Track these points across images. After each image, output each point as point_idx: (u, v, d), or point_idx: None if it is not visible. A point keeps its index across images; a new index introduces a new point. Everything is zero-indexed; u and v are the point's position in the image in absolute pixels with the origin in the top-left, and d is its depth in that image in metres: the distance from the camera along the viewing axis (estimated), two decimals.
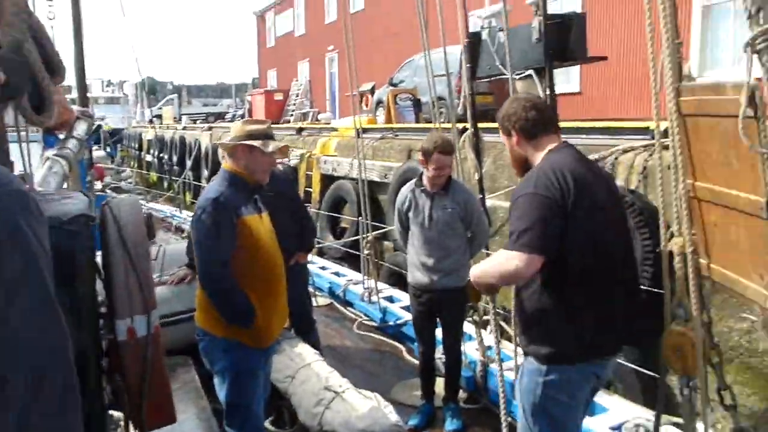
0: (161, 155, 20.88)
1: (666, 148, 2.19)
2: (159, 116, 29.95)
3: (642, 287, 4.38)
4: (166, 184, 18.42)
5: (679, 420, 2.61)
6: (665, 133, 2.20)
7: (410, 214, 3.86)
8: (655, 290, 4.23)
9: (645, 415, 3.49)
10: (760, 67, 1.56)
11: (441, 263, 3.76)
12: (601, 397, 3.74)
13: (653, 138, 5.22)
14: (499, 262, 2.23)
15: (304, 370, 3.80)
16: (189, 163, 17.53)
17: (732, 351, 4.18)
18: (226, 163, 2.90)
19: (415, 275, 3.88)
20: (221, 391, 2.88)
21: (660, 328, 2.35)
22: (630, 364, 4.36)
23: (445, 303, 3.83)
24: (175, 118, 29.05)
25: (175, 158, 19.33)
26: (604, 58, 7.17)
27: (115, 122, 32.96)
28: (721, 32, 10.57)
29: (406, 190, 3.94)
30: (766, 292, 1.68)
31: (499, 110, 2.49)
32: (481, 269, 2.35)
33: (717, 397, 2.10)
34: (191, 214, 3.83)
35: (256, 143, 2.79)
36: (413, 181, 3.93)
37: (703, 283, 2.09)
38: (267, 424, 3.65)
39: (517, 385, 2.46)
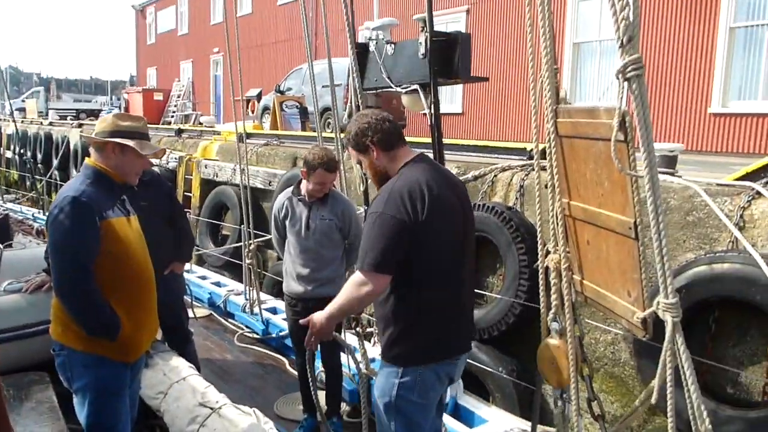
0: (23, 152, 19.19)
1: (543, 168, 2.28)
2: (22, 109, 27.56)
3: (518, 301, 4.62)
4: (28, 184, 16.93)
5: (553, 430, 2.74)
6: (543, 154, 2.30)
7: (287, 223, 3.79)
8: (530, 304, 4.47)
9: (521, 425, 3.64)
10: (630, 93, 1.65)
11: (316, 273, 3.72)
12: (481, 409, 3.87)
13: (530, 158, 5.55)
14: (351, 292, 2.33)
15: (177, 385, 3.59)
16: (56, 161, 16.25)
17: (597, 361, 4.47)
18: (90, 159, 2.64)
19: (290, 284, 3.81)
20: (81, 411, 2.61)
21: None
22: (507, 377, 4.53)
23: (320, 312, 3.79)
24: (40, 112, 26.88)
25: (39, 156, 17.85)
26: (486, 79, 7.51)
27: None
28: (588, 69, 11.52)
29: (283, 197, 3.86)
30: (633, 308, 1.78)
31: (347, 131, 2.54)
32: (338, 305, 2.41)
33: (587, 408, 2.21)
34: None
35: (131, 143, 2.57)
36: (290, 188, 3.85)
37: (576, 299, 2.19)
38: None
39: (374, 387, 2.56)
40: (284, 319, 5.51)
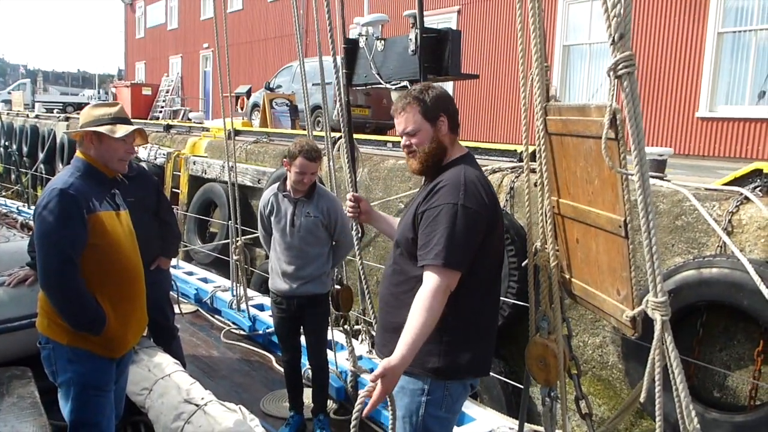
0: (8, 144, 19.00)
1: (533, 171, 2.27)
2: (8, 101, 27.30)
3: (508, 302, 4.62)
4: (13, 177, 16.76)
5: (541, 428, 2.73)
6: (533, 156, 2.29)
7: (272, 219, 3.77)
8: (519, 302, 4.47)
9: (509, 423, 3.64)
10: (621, 91, 1.65)
11: (301, 271, 3.70)
12: (469, 408, 3.86)
13: (520, 160, 5.55)
14: (432, 303, 1.96)
15: (162, 381, 3.54)
16: (41, 155, 16.11)
17: (585, 364, 4.48)
18: (79, 151, 2.62)
19: (276, 282, 3.80)
20: (66, 406, 2.58)
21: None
22: (496, 375, 4.54)
23: (306, 309, 3.78)
24: (26, 104, 26.62)
25: (25, 149, 17.69)
26: (476, 77, 7.51)
27: None
28: (578, 72, 11.59)
29: (268, 193, 3.85)
30: (622, 306, 1.78)
31: (414, 90, 2.20)
32: (417, 332, 1.93)
33: (574, 407, 2.21)
34: None
35: (103, 129, 2.53)
36: (276, 184, 3.84)
37: (564, 297, 2.19)
38: None
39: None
40: (271, 316, 5.49)
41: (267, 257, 7.52)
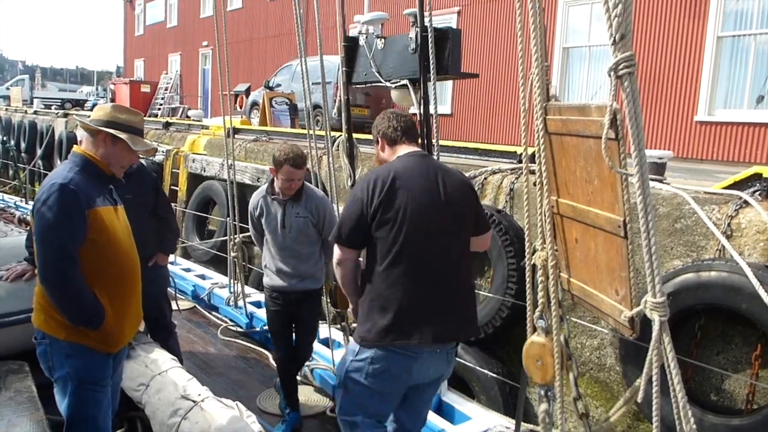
0: (5, 140, 18.98)
1: (533, 172, 2.28)
2: (6, 97, 27.28)
3: (506, 300, 4.62)
4: (11, 173, 16.73)
5: (537, 428, 2.73)
6: (532, 158, 2.29)
7: (263, 221, 3.81)
8: (518, 301, 4.48)
9: (505, 422, 3.65)
10: (622, 91, 1.65)
11: (296, 270, 3.76)
12: (465, 406, 3.87)
13: (519, 162, 5.56)
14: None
15: (159, 377, 3.54)
16: (40, 151, 16.09)
17: (583, 366, 4.49)
18: (79, 147, 2.62)
19: (272, 278, 3.85)
20: (62, 401, 2.58)
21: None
22: (494, 375, 4.55)
23: (302, 302, 3.84)
24: (25, 100, 26.59)
25: (23, 144, 17.66)
26: (476, 75, 7.53)
27: None
28: (577, 74, 11.59)
29: (257, 196, 3.88)
30: (621, 306, 1.78)
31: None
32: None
33: (572, 406, 2.21)
34: None
35: (123, 136, 2.55)
36: (264, 186, 3.86)
37: (562, 296, 2.19)
38: None
39: None
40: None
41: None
